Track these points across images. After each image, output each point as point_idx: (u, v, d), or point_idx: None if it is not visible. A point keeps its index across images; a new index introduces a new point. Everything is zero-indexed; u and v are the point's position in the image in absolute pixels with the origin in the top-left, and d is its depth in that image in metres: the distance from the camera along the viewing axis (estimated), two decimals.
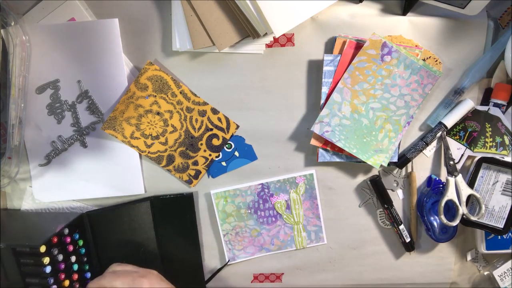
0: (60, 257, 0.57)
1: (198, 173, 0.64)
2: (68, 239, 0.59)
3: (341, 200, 0.66)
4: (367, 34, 0.60)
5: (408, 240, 0.65)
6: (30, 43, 0.58)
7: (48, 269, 0.54)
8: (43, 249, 0.53)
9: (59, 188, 0.64)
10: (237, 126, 0.64)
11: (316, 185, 0.65)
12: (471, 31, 0.61)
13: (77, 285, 0.60)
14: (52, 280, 0.54)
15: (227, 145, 0.64)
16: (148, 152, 0.63)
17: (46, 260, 0.54)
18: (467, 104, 0.62)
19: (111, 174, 0.64)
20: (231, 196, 0.65)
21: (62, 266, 0.57)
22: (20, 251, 0.53)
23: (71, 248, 0.59)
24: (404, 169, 0.65)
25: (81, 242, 0.62)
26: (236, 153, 0.65)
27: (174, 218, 0.65)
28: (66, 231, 0.59)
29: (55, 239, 0.56)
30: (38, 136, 0.62)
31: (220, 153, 0.64)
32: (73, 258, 0.59)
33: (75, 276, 0.59)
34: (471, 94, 0.64)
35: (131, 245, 0.65)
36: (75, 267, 0.60)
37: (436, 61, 0.61)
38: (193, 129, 0.63)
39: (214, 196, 0.65)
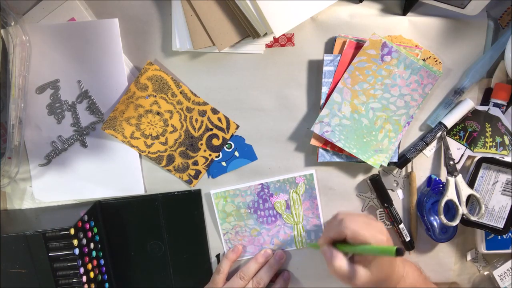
0: (84, 241, 0.59)
1: (198, 173, 0.64)
2: (87, 226, 0.61)
3: (341, 200, 0.66)
4: (367, 34, 0.60)
5: (408, 239, 0.65)
6: (30, 43, 0.58)
7: (77, 251, 0.56)
8: (72, 231, 0.56)
9: (59, 188, 0.64)
10: (237, 126, 0.64)
11: (316, 185, 0.65)
12: (471, 31, 0.61)
13: (96, 271, 0.62)
14: (80, 262, 0.57)
15: (227, 145, 0.64)
16: (148, 152, 0.63)
17: (75, 242, 0.56)
18: (467, 104, 0.62)
19: (111, 174, 0.64)
20: (231, 196, 0.65)
21: (86, 250, 0.59)
22: (50, 236, 0.56)
23: (90, 234, 0.61)
24: (404, 169, 0.65)
25: (95, 230, 0.63)
26: (236, 153, 0.65)
27: (182, 214, 0.66)
28: (86, 217, 0.60)
29: (80, 224, 0.58)
30: (38, 136, 0.62)
31: (220, 153, 0.64)
32: (92, 245, 0.61)
33: (94, 262, 0.61)
34: (471, 94, 0.64)
35: (139, 239, 0.67)
36: (93, 253, 0.61)
37: (436, 61, 0.61)
38: (193, 129, 0.63)
39: (214, 196, 0.65)
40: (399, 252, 0.48)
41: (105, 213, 0.65)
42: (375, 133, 0.61)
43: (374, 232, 0.53)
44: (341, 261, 0.54)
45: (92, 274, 0.60)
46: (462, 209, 0.62)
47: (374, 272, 0.54)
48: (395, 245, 0.48)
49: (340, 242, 0.56)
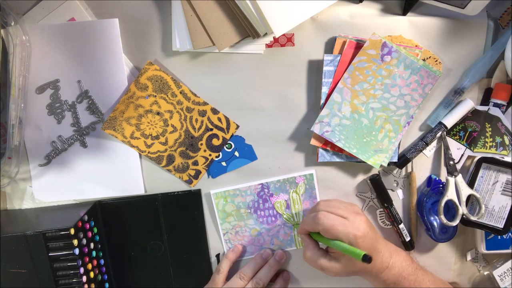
0: (84, 241, 0.59)
1: (198, 173, 0.64)
2: (87, 226, 0.60)
3: None
4: (367, 34, 0.60)
5: (408, 239, 0.65)
6: (30, 43, 0.58)
7: (77, 251, 0.56)
8: (72, 231, 0.55)
9: (59, 188, 0.64)
10: (237, 126, 0.64)
11: (316, 185, 0.65)
12: (471, 31, 0.61)
13: (96, 271, 0.62)
14: (80, 262, 0.57)
15: (227, 145, 0.64)
16: (148, 152, 0.63)
17: (75, 242, 0.56)
18: (467, 104, 0.62)
19: (111, 174, 0.64)
20: (231, 196, 0.65)
21: (86, 250, 0.59)
22: (50, 236, 0.56)
23: (90, 234, 0.61)
24: (404, 169, 0.65)
25: (95, 230, 0.63)
26: (236, 153, 0.65)
27: (182, 214, 0.66)
28: (86, 217, 0.60)
29: (80, 224, 0.58)
30: (38, 136, 0.62)
31: (220, 153, 0.64)
32: (92, 245, 0.61)
33: (94, 262, 0.61)
34: (471, 94, 0.64)
35: (139, 239, 0.67)
36: (93, 253, 0.61)
37: (436, 61, 0.61)
38: (193, 129, 0.63)
39: (214, 196, 0.65)
40: (365, 259, 0.49)
41: (105, 213, 0.65)
42: (375, 133, 0.61)
43: (348, 228, 0.53)
44: (312, 252, 0.58)
45: (92, 274, 0.60)
46: (462, 209, 0.62)
47: (347, 265, 0.55)
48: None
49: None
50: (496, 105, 0.62)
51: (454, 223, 0.62)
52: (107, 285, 0.65)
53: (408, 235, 0.65)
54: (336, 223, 0.53)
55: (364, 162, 0.61)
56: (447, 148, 0.63)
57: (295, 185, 0.65)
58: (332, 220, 0.54)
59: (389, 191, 0.65)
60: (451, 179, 0.63)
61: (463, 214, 0.62)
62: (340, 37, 0.60)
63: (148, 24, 0.60)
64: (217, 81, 0.62)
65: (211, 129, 0.63)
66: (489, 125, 0.63)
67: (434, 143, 0.64)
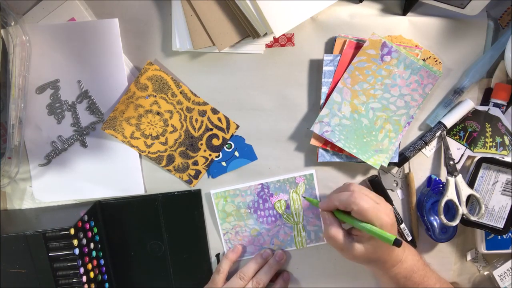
0: (84, 241, 0.59)
1: (198, 173, 0.65)
2: (87, 226, 0.60)
3: None
4: (367, 34, 0.60)
5: (409, 238, 0.65)
6: (30, 43, 0.58)
7: (77, 251, 0.56)
8: (72, 231, 0.55)
9: (59, 188, 0.64)
10: (237, 126, 0.64)
11: (316, 185, 0.65)
12: (471, 31, 0.61)
13: (96, 271, 0.62)
14: (80, 262, 0.57)
15: (227, 145, 0.64)
16: (148, 152, 0.63)
17: (75, 242, 0.56)
18: (467, 105, 0.62)
19: (111, 174, 0.64)
20: (231, 196, 0.65)
21: (86, 250, 0.59)
22: (50, 236, 0.56)
23: (90, 234, 0.61)
24: (402, 169, 0.65)
25: (95, 230, 0.63)
26: (236, 153, 0.65)
27: (182, 214, 0.66)
28: (86, 217, 0.60)
29: (80, 224, 0.58)
30: (38, 136, 0.63)
31: (220, 153, 0.64)
32: (92, 245, 0.61)
33: (94, 262, 0.61)
34: (471, 94, 0.64)
35: (139, 239, 0.67)
36: (93, 253, 0.61)
37: (436, 61, 0.61)
38: (193, 129, 0.63)
39: (214, 196, 0.65)
40: (396, 243, 0.49)
41: (105, 213, 0.65)
42: (375, 133, 0.61)
43: (380, 213, 0.53)
44: (337, 231, 0.56)
45: (92, 274, 0.60)
46: (462, 209, 0.62)
47: (369, 249, 0.54)
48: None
49: (341, 210, 0.56)
50: (496, 105, 0.62)
51: (454, 223, 0.62)
52: (107, 285, 0.65)
53: (409, 234, 0.65)
54: (371, 206, 0.53)
55: (364, 162, 0.61)
56: (447, 148, 0.63)
57: (295, 185, 0.65)
58: (368, 202, 0.53)
59: (389, 191, 0.65)
60: (451, 179, 0.63)
61: (463, 214, 0.62)
62: (340, 37, 0.60)
63: (148, 24, 0.60)
64: (217, 81, 0.62)
65: (211, 129, 0.63)
66: (489, 125, 0.63)
67: (434, 143, 0.64)
